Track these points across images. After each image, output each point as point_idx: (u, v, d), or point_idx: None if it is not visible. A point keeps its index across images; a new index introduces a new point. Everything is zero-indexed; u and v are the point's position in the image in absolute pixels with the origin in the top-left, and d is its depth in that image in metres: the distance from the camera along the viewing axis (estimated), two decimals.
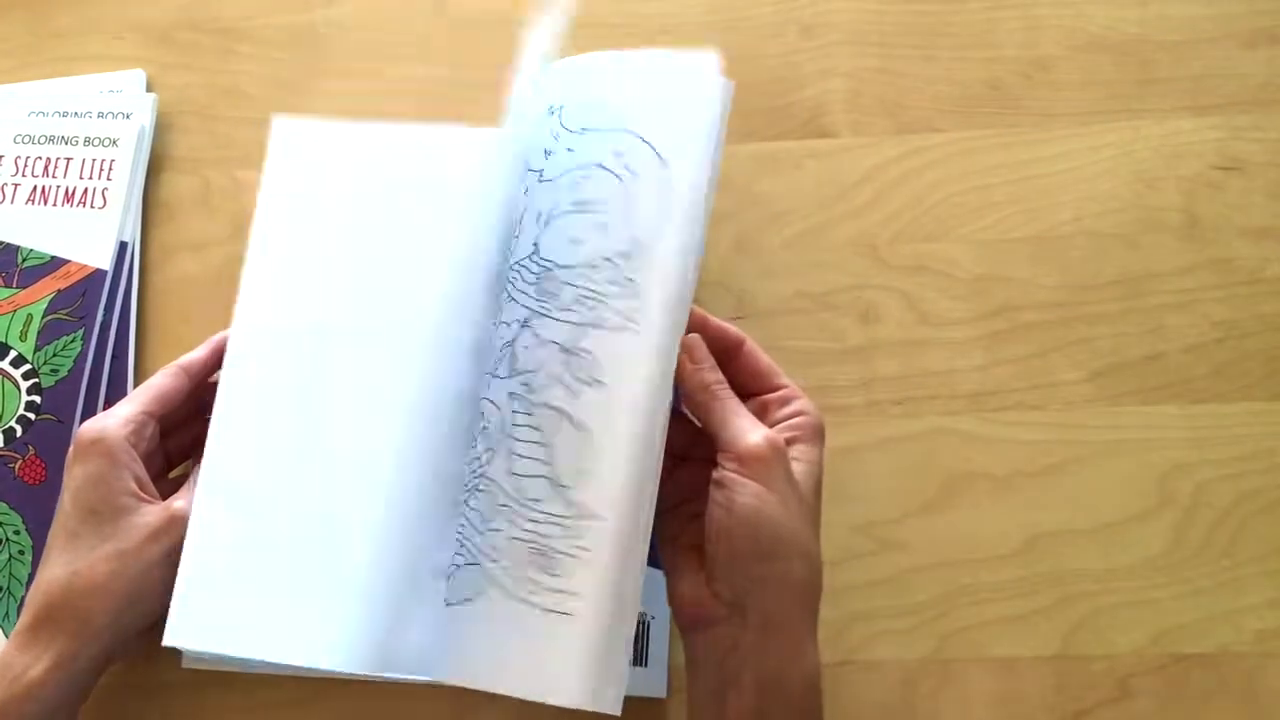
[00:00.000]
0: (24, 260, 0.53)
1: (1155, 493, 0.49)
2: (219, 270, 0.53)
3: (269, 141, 0.50)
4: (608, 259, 0.42)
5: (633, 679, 0.42)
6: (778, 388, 0.43)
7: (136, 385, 0.51)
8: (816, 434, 0.42)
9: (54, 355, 0.51)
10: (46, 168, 0.54)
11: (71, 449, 0.45)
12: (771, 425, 0.42)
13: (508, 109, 0.46)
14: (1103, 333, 0.50)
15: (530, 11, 0.47)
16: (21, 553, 0.50)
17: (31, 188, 0.54)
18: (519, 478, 0.42)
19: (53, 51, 0.58)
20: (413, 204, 0.49)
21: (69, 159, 0.54)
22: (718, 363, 0.43)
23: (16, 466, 0.50)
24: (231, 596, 0.44)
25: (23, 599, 0.49)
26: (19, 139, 0.55)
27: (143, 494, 0.44)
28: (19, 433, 0.51)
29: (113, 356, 0.52)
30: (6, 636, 0.49)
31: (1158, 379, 0.50)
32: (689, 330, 0.43)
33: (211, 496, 0.45)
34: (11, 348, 0.52)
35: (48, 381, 0.51)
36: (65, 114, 0.55)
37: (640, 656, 0.47)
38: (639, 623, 0.42)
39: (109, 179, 0.54)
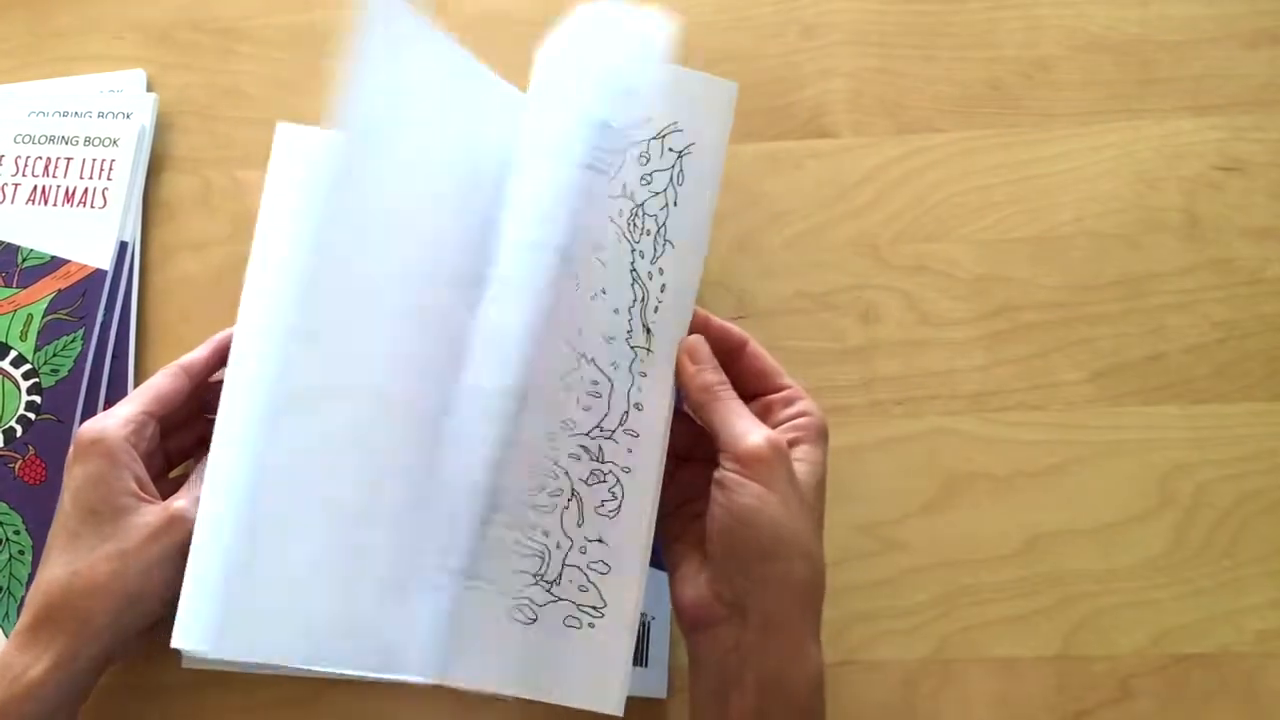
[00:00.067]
0: (24, 260, 0.53)
1: (1156, 493, 0.49)
2: (219, 270, 0.53)
3: (273, 148, 0.50)
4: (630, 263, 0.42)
5: (633, 679, 0.42)
6: (781, 388, 0.44)
7: (136, 385, 0.51)
8: (820, 435, 0.42)
9: (54, 355, 0.51)
10: (47, 168, 0.54)
11: (71, 449, 0.44)
12: (775, 426, 0.42)
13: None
14: (1104, 333, 0.50)
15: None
16: (21, 553, 0.49)
17: (32, 188, 0.54)
18: (535, 484, 0.42)
19: (53, 51, 0.58)
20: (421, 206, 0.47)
21: (69, 159, 0.54)
22: (720, 363, 0.43)
23: (16, 466, 0.50)
24: (239, 598, 0.44)
25: (23, 599, 0.49)
26: (19, 139, 0.55)
27: (143, 494, 0.44)
28: (19, 433, 0.51)
29: (113, 356, 0.52)
30: (6, 636, 0.49)
31: (1159, 379, 0.50)
32: (691, 331, 0.43)
33: (217, 497, 0.45)
34: (11, 348, 0.52)
35: (48, 381, 0.51)
36: (65, 114, 0.55)
37: (640, 656, 0.47)
38: (640, 623, 0.42)
39: (109, 179, 0.54)
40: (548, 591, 0.40)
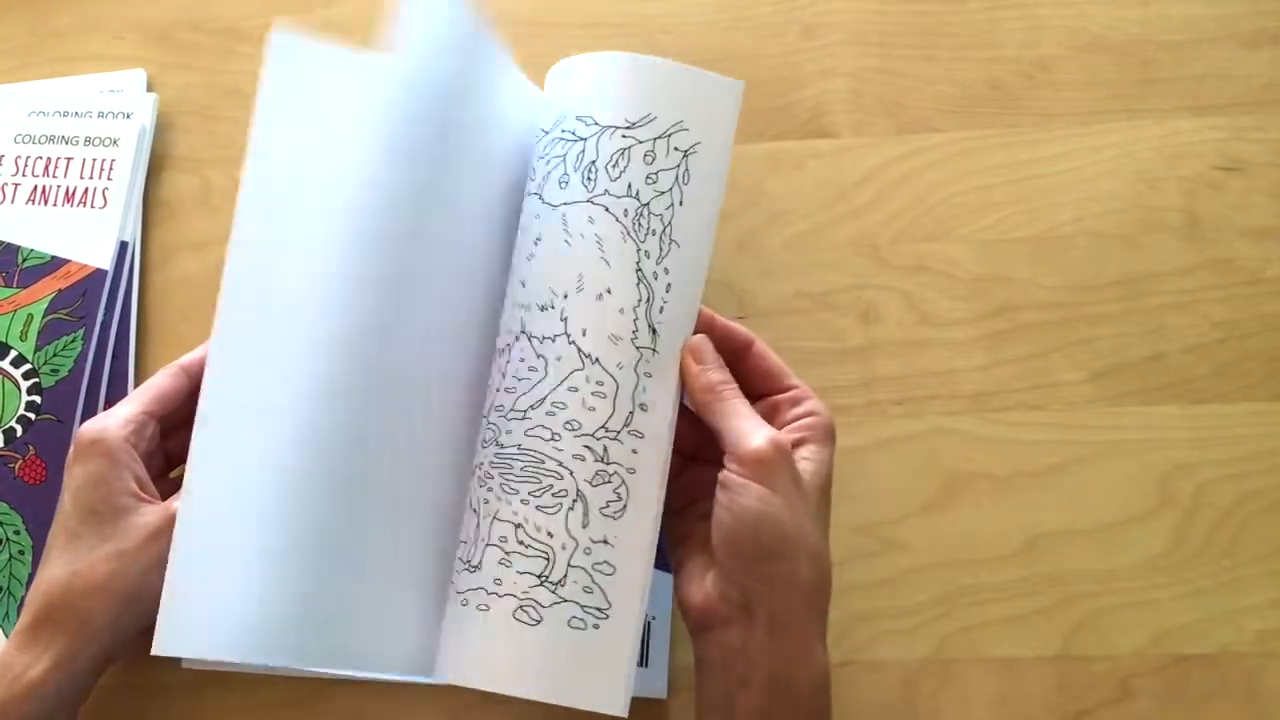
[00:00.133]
0: (24, 260, 0.53)
1: (1156, 493, 0.49)
2: (219, 270, 0.53)
3: (265, 62, 0.42)
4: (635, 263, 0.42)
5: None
6: (788, 388, 0.43)
7: (136, 385, 0.51)
8: (827, 434, 0.42)
9: (54, 355, 0.51)
10: (47, 168, 0.54)
11: (71, 449, 0.44)
12: (782, 426, 0.42)
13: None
14: (1104, 333, 0.50)
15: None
16: (21, 553, 0.49)
17: (32, 188, 0.54)
18: (539, 485, 0.42)
19: (53, 51, 0.58)
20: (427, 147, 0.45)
21: (69, 159, 0.54)
22: (727, 363, 0.43)
23: (16, 466, 0.50)
24: (221, 600, 0.43)
25: (23, 599, 0.49)
26: (19, 139, 0.55)
27: (143, 494, 0.44)
28: (19, 433, 0.51)
29: (113, 356, 0.52)
30: (6, 636, 0.49)
31: (1159, 379, 0.50)
32: (696, 331, 0.43)
33: (196, 499, 0.42)
34: (12, 348, 0.52)
35: (48, 381, 0.51)
36: (65, 114, 0.55)
37: (641, 656, 0.47)
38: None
39: (109, 179, 0.54)
40: (552, 593, 0.40)
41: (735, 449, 0.40)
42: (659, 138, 0.43)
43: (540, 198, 0.44)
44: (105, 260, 0.53)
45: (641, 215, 0.42)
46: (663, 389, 0.42)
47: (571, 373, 0.42)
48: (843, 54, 0.55)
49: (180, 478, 0.48)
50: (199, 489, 0.43)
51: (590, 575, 0.40)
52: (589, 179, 0.43)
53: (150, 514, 0.44)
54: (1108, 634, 0.47)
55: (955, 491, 0.49)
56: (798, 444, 0.41)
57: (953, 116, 0.53)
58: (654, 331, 0.42)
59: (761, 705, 0.38)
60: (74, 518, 0.43)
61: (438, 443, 0.45)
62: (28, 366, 0.51)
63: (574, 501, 0.41)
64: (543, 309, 0.43)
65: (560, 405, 0.42)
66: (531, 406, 0.42)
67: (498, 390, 0.43)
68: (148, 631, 0.44)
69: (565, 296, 0.42)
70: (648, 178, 0.42)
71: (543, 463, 0.41)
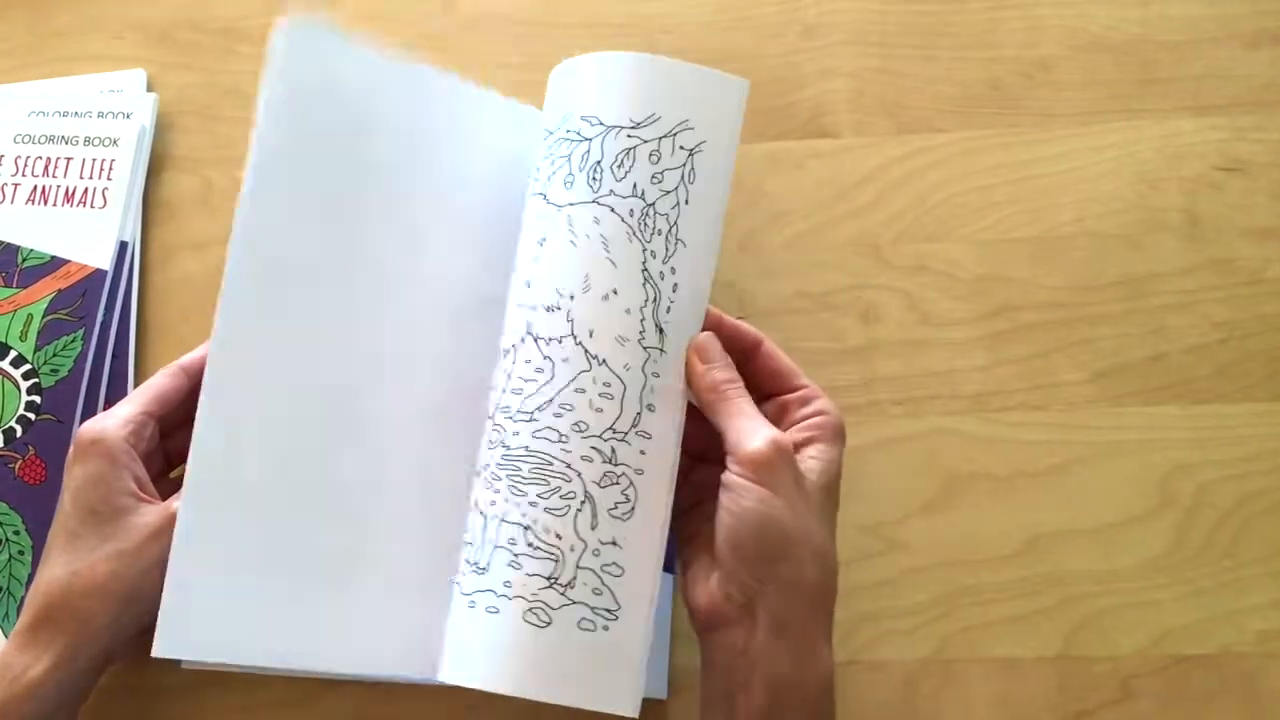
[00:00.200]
0: (24, 260, 0.53)
1: (1157, 493, 0.49)
2: (220, 270, 0.53)
3: (270, 51, 0.43)
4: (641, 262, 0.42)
5: None
6: (797, 388, 0.43)
7: (136, 385, 0.51)
8: (835, 434, 0.42)
9: (54, 355, 0.51)
10: (46, 167, 0.54)
11: (71, 449, 0.44)
12: (790, 425, 0.42)
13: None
14: (1104, 333, 0.50)
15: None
16: (21, 553, 0.49)
17: (31, 188, 0.54)
18: (547, 486, 0.42)
19: (53, 51, 0.57)
20: (429, 165, 0.46)
21: (69, 159, 0.54)
22: (735, 363, 0.43)
23: (16, 466, 0.50)
24: (221, 602, 0.43)
25: (23, 599, 0.49)
26: (19, 139, 0.55)
27: (142, 494, 0.44)
28: (19, 433, 0.51)
29: (113, 356, 0.52)
30: (6, 636, 0.49)
31: (1160, 379, 0.50)
32: (703, 329, 0.43)
33: (196, 503, 0.42)
34: (11, 348, 0.52)
35: (48, 381, 0.51)
36: (65, 114, 0.55)
37: None
38: None
39: (109, 179, 0.54)
40: (562, 595, 0.40)
41: (736, 450, 0.40)
42: (664, 137, 0.42)
43: (545, 198, 0.44)
44: (105, 260, 0.52)
45: (647, 215, 0.42)
46: (670, 389, 0.42)
47: (579, 374, 0.42)
48: (843, 54, 0.55)
49: (180, 478, 0.48)
50: (199, 491, 0.43)
51: (599, 577, 0.40)
52: (594, 179, 0.43)
53: (150, 514, 0.44)
54: (1109, 634, 0.47)
55: (956, 492, 0.49)
56: (805, 443, 0.41)
57: (953, 116, 0.53)
58: (661, 332, 0.42)
59: (763, 706, 0.38)
60: (74, 518, 0.43)
61: (438, 442, 0.45)
62: (28, 366, 0.51)
63: (582, 503, 0.41)
64: (549, 310, 0.42)
65: (568, 407, 0.41)
66: (539, 408, 0.42)
67: (503, 391, 0.43)
68: (147, 631, 0.44)
69: (571, 297, 0.42)
70: (653, 177, 0.42)
71: (551, 464, 0.41)
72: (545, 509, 0.41)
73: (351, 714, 0.48)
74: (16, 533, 0.50)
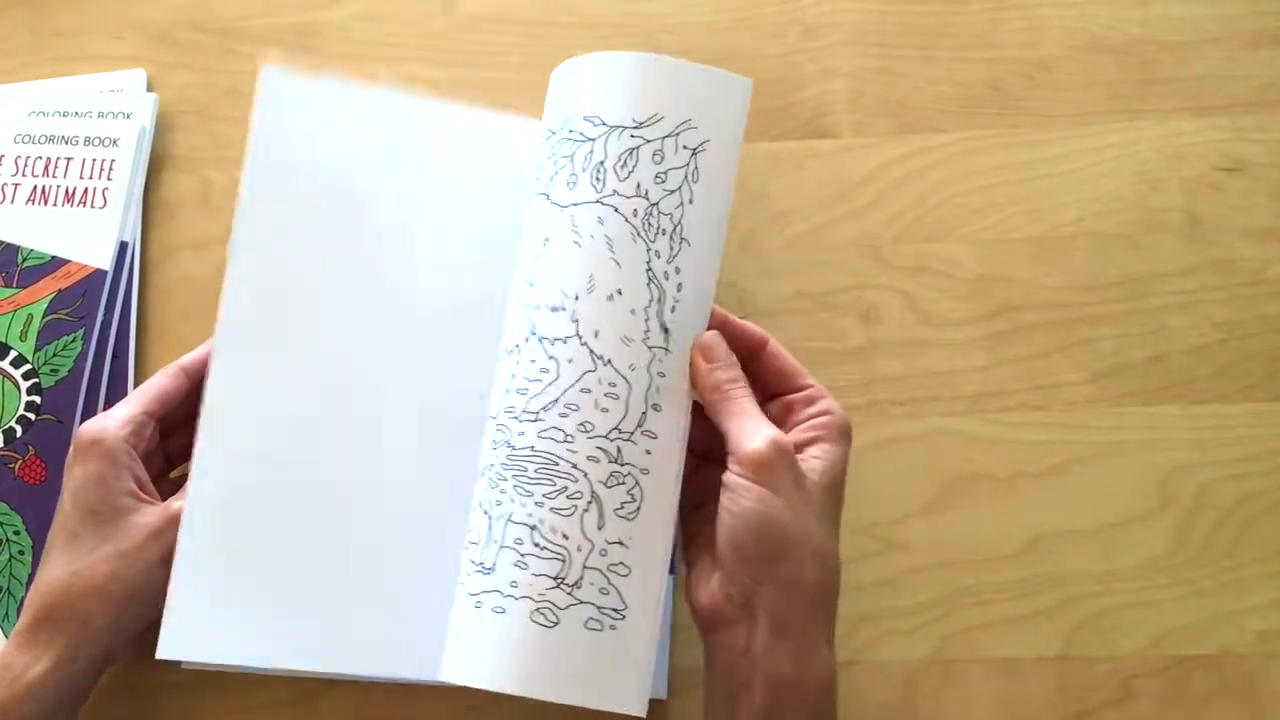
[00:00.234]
0: (24, 260, 0.53)
1: (1157, 494, 0.49)
2: (219, 270, 0.53)
3: (256, 95, 0.46)
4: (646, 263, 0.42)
5: None
6: (803, 387, 0.43)
7: (136, 385, 0.51)
8: (839, 434, 0.42)
9: (54, 355, 0.51)
10: (47, 168, 0.54)
11: (71, 449, 0.44)
12: (795, 425, 0.42)
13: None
14: (1105, 333, 0.50)
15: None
16: (21, 553, 0.49)
17: (32, 188, 0.54)
18: (553, 487, 0.42)
19: (53, 51, 0.57)
20: (413, 181, 0.48)
21: (69, 159, 0.54)
22: (740, 362, 0.43)
23: (16, 466, 0.50)
24: (225, 603, 0.44)
25: (23, 599, 0.49)
26: (19, 139, 0.55)
27: (142, 495, 0.44)
28: (19, 433, 0.51)
29: (113, 356, 0.52)
30: (6, 636, 0.49)
31: (1160, 380, 0.50)
32: (708, 329, 0.43)
33: (200, 502, 0.44)
34: (11, 348, 0.52)
35: (48, 381, 0.51)
36: (65, 114, 0.55)
37: None
38: None
39: (109, 179, 0.54)
40: (569, 595, 0.40)
41: (737, 450, 0.40)
42: (667, 136, 0.42)
43: (548, 198, 0.44)
44: (105, 260, 0.52)
45: (651, 215, 0.42)
46: (676, 389, 0.42)
47: (584, 374, 0.42)
48: (844, 54, 0.55)
49: (180, 478, 0.48)
50: (203, 493, 0.43)
51: (606, 576, 0.40)
52: (597, 179, 0.42)
53: (150, 514, 0.44)
54: (1109, 635, 0.47)
55: (956, 492, 0.49)
56: (809, 443, 0.41)
57: (954, 117, 0.53)
58: (666, 331, 0.42)
59: (763, 706, 0.38)
60: (73, 518, 0.43)
61: (438, 442, 0.46)
62: (28, 366, 0.51)
63: (589, 503, 0.41)
64: (553, 310, 0.42)
65: (573, 407, 0.41)
66: (544, 408, 0.42)
67: (507, 391, 0.43)
68: (147, 631, 0.44)
69: (576, 298, 0.42)
70: (656, 177, 0.42)
71: (557, 465, 0.41)
72: (552, 509, 0.41)
73: (351, 714, 0.48)
74: (16, 533, 0.50)
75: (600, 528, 0.41)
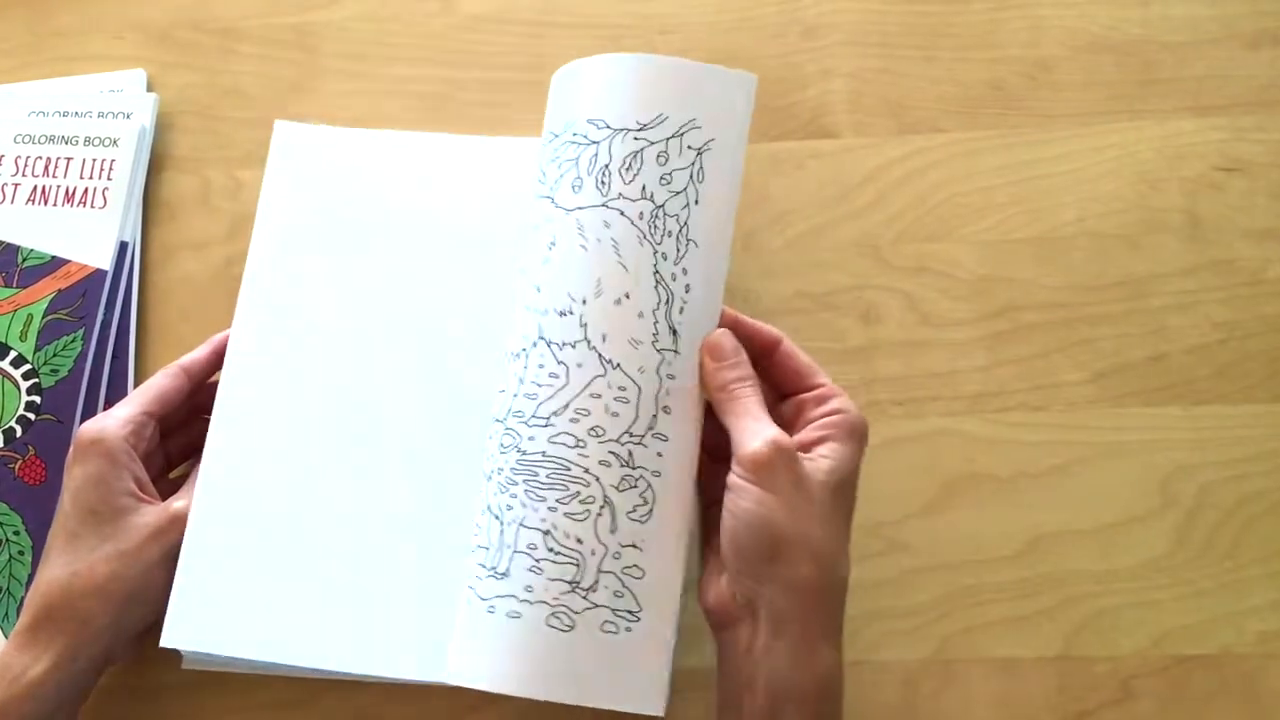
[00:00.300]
0: (24, 260, 0.53)
1: (1158, 494, 0.49)
2: (219, 270, 0.53)
3: (271, 145, 0.51)
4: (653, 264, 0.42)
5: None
6: (815, 386, 0.43)
7: (136, 385, 0.51)
8: (850, 432, 0.41)
9: (54, 355, 0.51)
10: (47, 168, 0.54)
11: (71, 450, 0.44)
12: (805, 424, 0.42)
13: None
14: (1105, 334, 0.50)
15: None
16: (21, 553, 0.49)
17: (32, 188, 0.54)
18: (566, 491, 0.42)
19: (53, 51, 0.57)
20: (415, 210, 0.50)
21: (69, 159, 0.54)
22: (754, 362, 0.43)
23: (16, 467, 0.50)
24: (230, 597, 0.44)
25: (23, 599, 0.49)
26: (19, 139, 0.55)
27: (142, 494, 0.44)
28: (19, 433, 0.51)
29: (113, 356, 0.52)
30: (6, 637, 0.49)
31: (1160, 380, 0.50)
32: (720, 329, 0.43)
33: (210, 496, 0.45)
34: (11, 348, 0.52)
35: (48, 381, 0.51)
36: (65, 114, 0.55)
37: None
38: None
39: (109, 179, 0.54)
40: (584, 599, 0.40)
41: (738, 450, 0.40)
42: (671, 138, 0.42)
43: (553, 201, 0.44)
44: (105, 260, 0.52)
45: (657, 217, 0.42)
46: (686, 390, 0.42)
47: (593, 379, 0.41)
48: (844, 54, 0.55)
49: (180, 478, 0.48)
50: (212, 487, 0.44)
51: (620, 580, 0.40)
52: (603, 183, 0.42)
53: (150, 514, 0.44)
54: (1109, 635, 0.47)
55: (956, 492, 0.49)
56: (817, 442, 0.41)
57: (954, 117, 0.53)
58: (674, 333, 0.42)
59: (764, 707, 0.38)
60: (73, 518, 0.43)
61: (445, 444, 0.46)
62: (28, 367, 0.51)
63: (602, 507, 0.41)
64: (561, 314, 0.42)
65: (584, 412, 0.41)
66: (554, 413, 0.42)
67: (515, 395, 0.43)
68: (147, 632, 0.44)
69: (584, 302, 0.42)
70: (662, 179, 0.42)
71: (568, 469, 0.41)
72: (565, 514, 0.41)
73: (351, 714, 0.48)
74: (16, 533, 0.50)
75: (613, 531, 0.41)
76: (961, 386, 0.50)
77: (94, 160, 0.54)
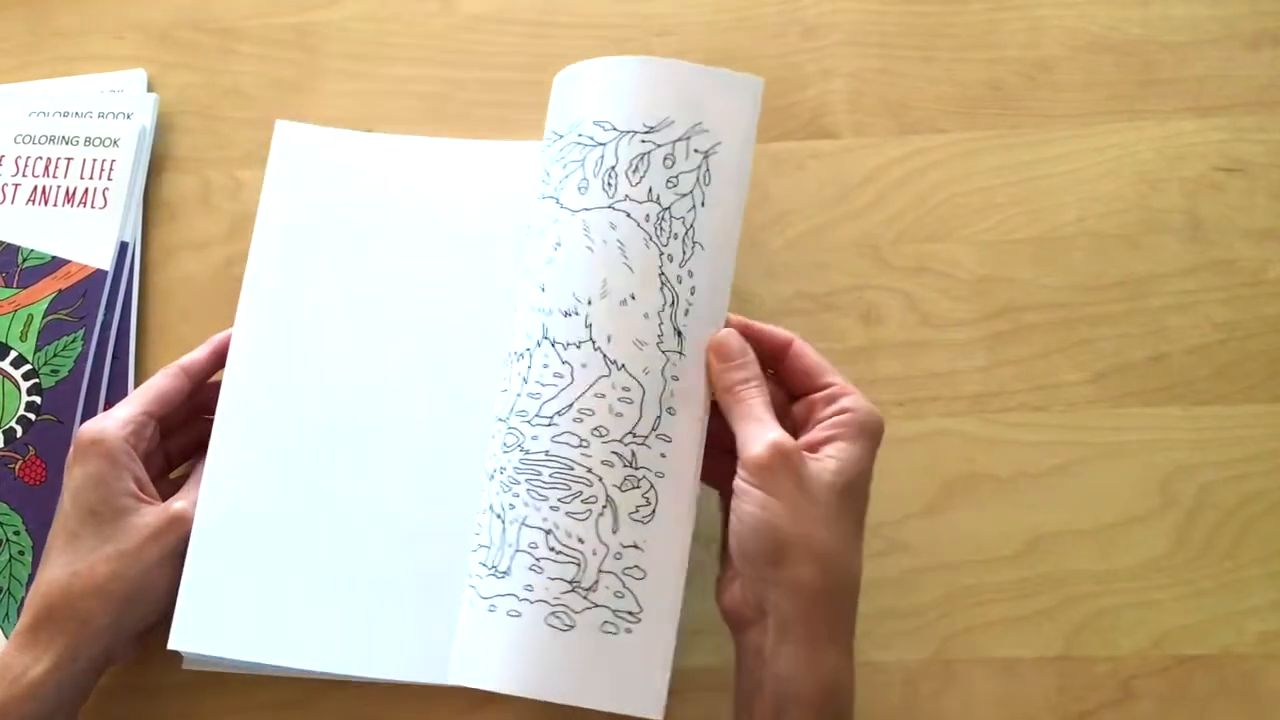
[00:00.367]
0: (24, 260, 0.53)
1: (1158, 494, 0.49)
2: (219, 270, 0.53)
3: (271, 145, 0.51)
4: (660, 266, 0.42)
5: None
6: (825, 386, 0.42)
7: (136, 385, 0.51)
8: (859, 432, 0.41)
9: (54, 355, 0.51)
10: (47, 168, 0.54)
11: (71, 450, 0.44)
12: (815, 424, 0.41)
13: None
14: (1105, 334, 0.50)
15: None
16: (21, 553, 0.49)
17: (32, 188, 0.54)
18: (568, 491, 0.42)
19: (53, 51, 0.57)
20: (414, 212, 0.50)
21: (69, 159, 0.54)
22: (766, 364, 0.42)
23: (16, 467, 0.50)
24: (236, 599, 0.45)
25: (23, 599, 0.49)
26: (19, 139, 0.55)
27: (142, 495, 0.44)
28: (19, 433, 0.51)
29: (113, 356, 0.52)
30: (6, 637, 0.49)
31: (1160, 380, 0.50)
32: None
33: (216, 499, 0.45)
34: (12, 348, 0.52)
35: (48, 382, 0.51)
36: (66, 114, 0.55)
37: None
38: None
39: (109, 179, 0.54)
40: (584, 598, 0.40)
41: (742, 453, 0.40)
42: (678, 141, 0.42)
43: (558, 202, 0.44)
44: (105, 260, 0.52)
45: (663, 219, 0.42)
46: (690, 392, 0.42)
47: (598, 379, 0.41)
48: (844, 54, 0.55)
49: (180, 478, 0.48)
50: (217, 490, 0.45)
51: (621, 580, 0.40)
52: (609, 185, 0.42)
53: (150, 515, 0.44)
54: (1109, 635, 0.47)
55: (957, 492, 0.49)
56: (825, 442, 0.40)
57: (954, 117, 0.53)
58: (679, 335, 0.42)
59: (771, 708, 0.38)
60: (73, 518, 0.43)
61: (447, 445, 0.46)
62: (28, 367, 0.51)
63: (604, 507, 0.41)
64: (566, 315, 0.42)
65: (588, 412, 0.41)
66: (558, 413, 0.42)
67: (518, 395, 0.43)
68: (147, 632, 0.44)
69: (589, 303, 0.42)
70: (668, 181, 0.42)
71: (571, 469, 0.41)
72: (566, 513, 0.41)
73: (351, 714, 0.48)
74: (16, 533, 0.50)
75: (615, 531, 0.41)
76: (962, 387, 0.50)
77: (94, 160, 0.54)
